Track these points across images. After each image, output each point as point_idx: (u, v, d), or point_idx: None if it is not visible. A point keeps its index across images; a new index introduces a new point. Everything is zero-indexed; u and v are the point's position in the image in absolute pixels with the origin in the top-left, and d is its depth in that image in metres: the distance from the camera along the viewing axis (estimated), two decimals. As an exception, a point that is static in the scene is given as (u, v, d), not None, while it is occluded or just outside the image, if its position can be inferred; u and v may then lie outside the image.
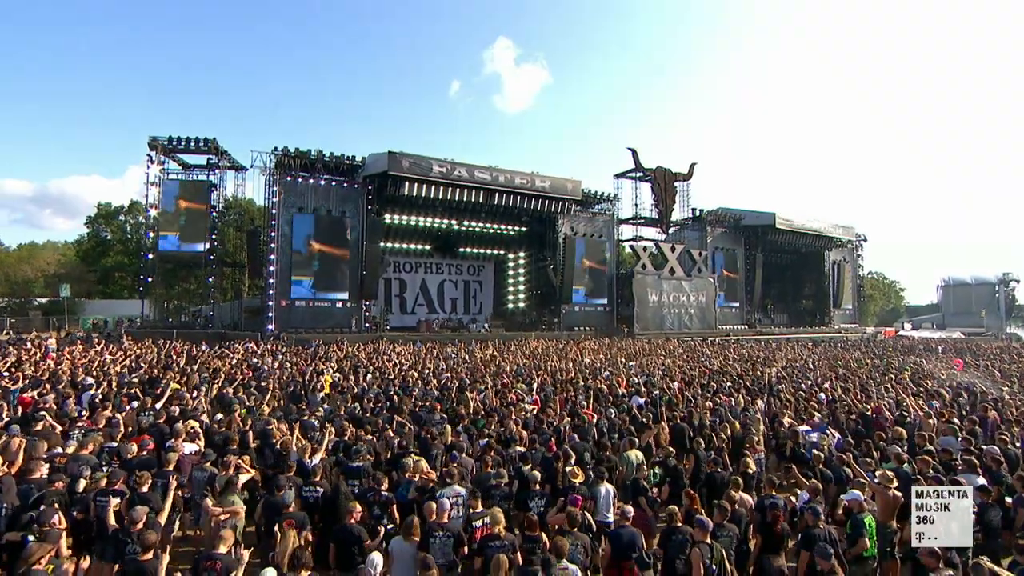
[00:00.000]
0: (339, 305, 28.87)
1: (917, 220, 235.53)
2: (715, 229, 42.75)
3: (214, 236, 27.86)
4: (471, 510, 5.31)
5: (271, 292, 27.19)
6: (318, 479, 5.82)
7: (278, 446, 6.80)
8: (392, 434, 7.63)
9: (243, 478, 5.64)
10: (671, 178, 39.35)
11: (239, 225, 39.47)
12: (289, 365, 15.55)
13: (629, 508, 5.17)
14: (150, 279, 27.12)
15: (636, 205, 39.39)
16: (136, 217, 46.64)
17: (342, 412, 9.23)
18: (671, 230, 40.96)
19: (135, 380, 11.59)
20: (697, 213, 41.45)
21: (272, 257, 27.21)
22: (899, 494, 5.34)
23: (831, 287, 47.83)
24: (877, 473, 5.75)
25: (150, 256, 26.88)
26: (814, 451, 7.18)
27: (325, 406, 9.92)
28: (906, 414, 9.38)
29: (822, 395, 11.91)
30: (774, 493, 5.76)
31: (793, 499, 5.78)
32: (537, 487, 5.87)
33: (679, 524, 4.89)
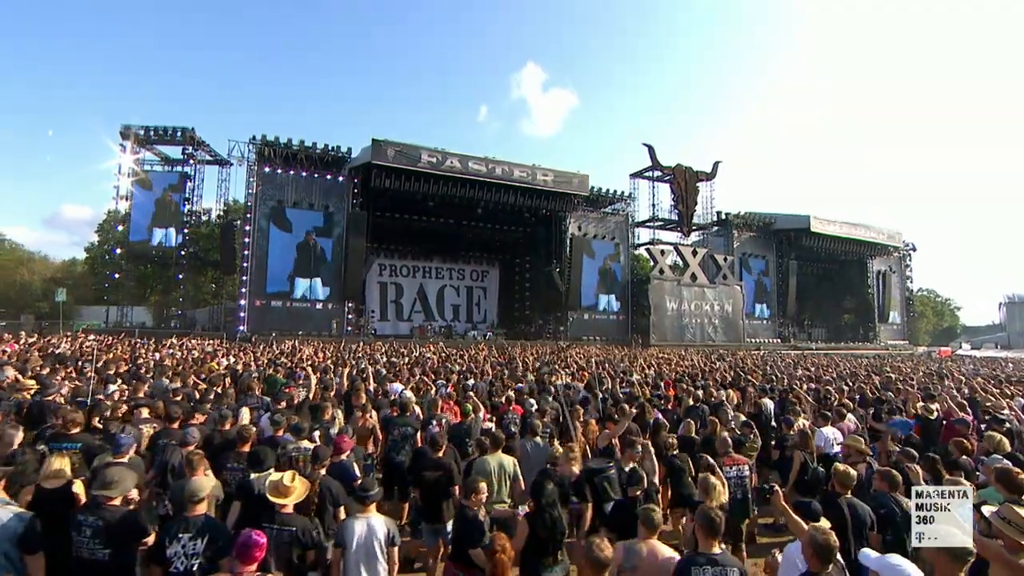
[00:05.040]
0: (319, 307, 26.60)
1: (971, 232, 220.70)
2: (743, 233, 38.87)
3: (186, 231, 26.02)
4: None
5: (244, 291, 25.17)
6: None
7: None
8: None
9: None
10: (692, 177, 35.99)
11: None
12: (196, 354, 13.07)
13: None
14: (117, 275, 25.36)
15: (654, 206, 36.19)
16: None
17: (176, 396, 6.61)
18: (693, 234, 37.44)
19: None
20: (722, 216, 37.80)
21: (246, 253, 25.25)
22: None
23: (876, 299, 42.98)
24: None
25: (118, 251, 25.23)
26: (837, 465, 3.96)
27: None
28: (1002, 417, 5.95)
29: (857, 396, 8.53)
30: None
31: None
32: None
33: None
